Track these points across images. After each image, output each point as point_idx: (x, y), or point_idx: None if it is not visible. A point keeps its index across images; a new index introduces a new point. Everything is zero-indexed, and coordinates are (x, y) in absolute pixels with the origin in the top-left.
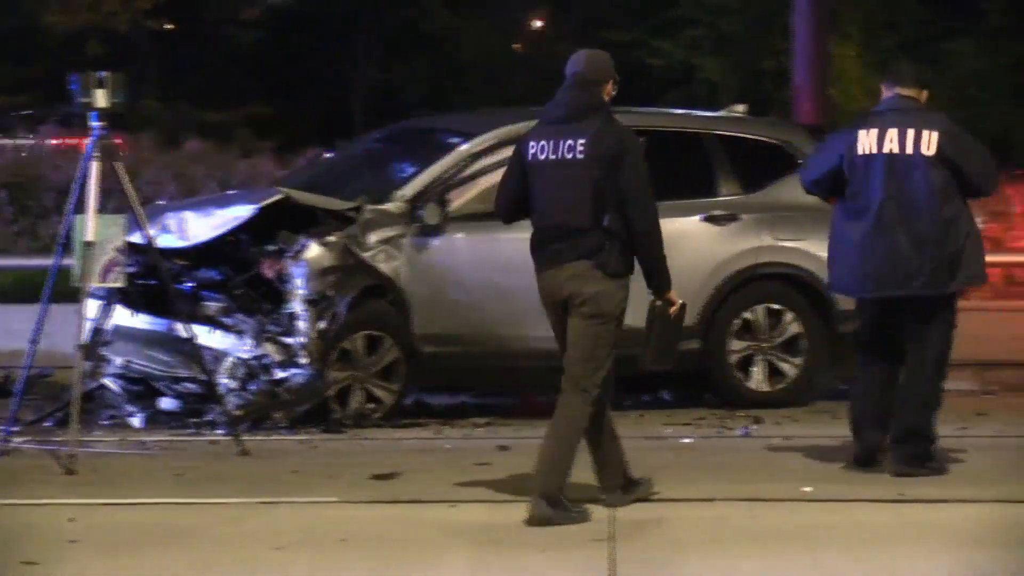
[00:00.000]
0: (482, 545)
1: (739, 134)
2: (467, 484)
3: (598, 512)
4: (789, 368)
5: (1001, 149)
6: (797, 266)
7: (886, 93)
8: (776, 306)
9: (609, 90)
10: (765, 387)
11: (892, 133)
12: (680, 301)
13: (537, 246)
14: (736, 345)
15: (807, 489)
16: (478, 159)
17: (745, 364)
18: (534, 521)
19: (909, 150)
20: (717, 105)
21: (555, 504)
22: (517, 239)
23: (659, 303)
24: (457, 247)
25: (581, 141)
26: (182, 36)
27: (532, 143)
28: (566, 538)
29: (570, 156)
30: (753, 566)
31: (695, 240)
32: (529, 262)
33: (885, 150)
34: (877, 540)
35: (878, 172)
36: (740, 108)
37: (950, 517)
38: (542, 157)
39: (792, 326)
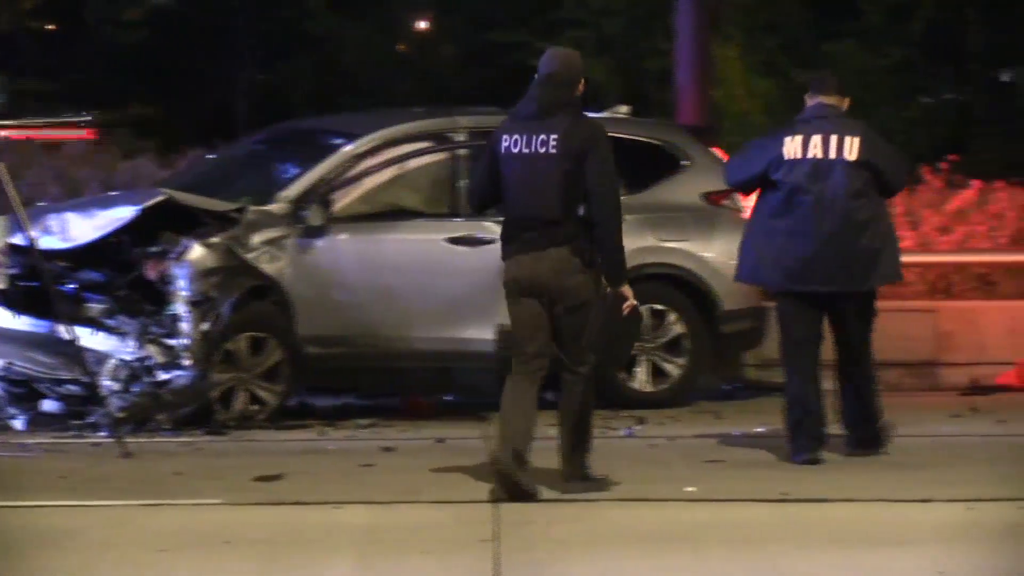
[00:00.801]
0: (367, 547)
1: (622, 135)
2: (352, 485)
3: (482, 512)
4: (672, 368)
5: None
6: (680, 266)
7: (810, 102)
8: (660, 307)
9: (579, 88)
10: (649, 387)
11: (816, 139)
12: (633, 300)
13: (509, 235)
14: None
15: (691, 489)
16: (362, 160)
17: (629, 364)
18: (568, 491)
19: (832, 155)
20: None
21: (585, 479)
22: (401, 240)
23: (611, 292)
24: (341, 248)
25: (554, 136)
26: (64, 37)
27: (505, 137)
28: (451, 539)
29: (543, 150)
30: (637, 566)
31: None
32: (412, 263)
33: (810, 155)
34: (761, 539)
35: (803, 176)
36: (623, 109)
37: (833, 516)
38: (515, 151)
39: (675, 327)
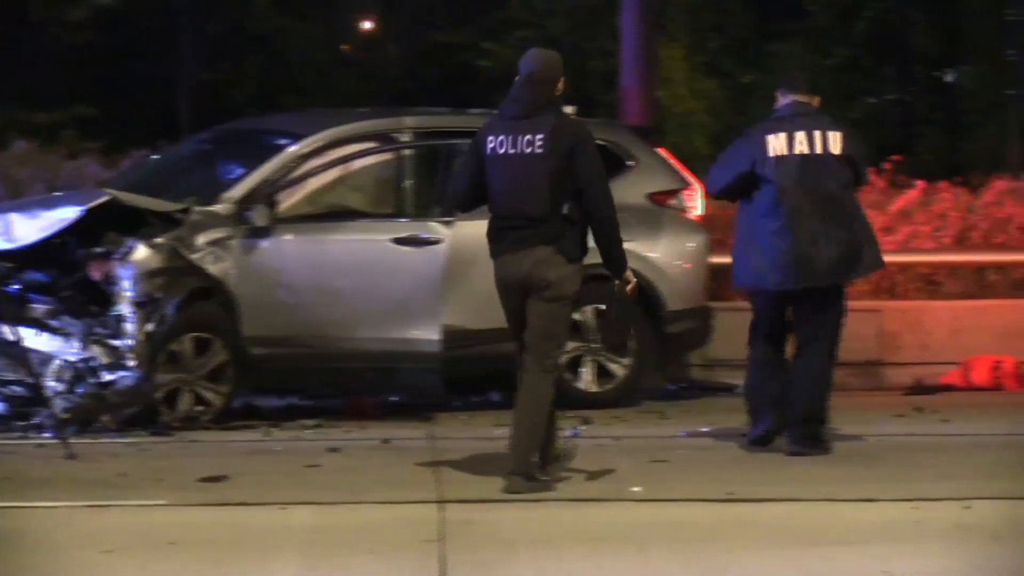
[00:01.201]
0: (312, 547)
1: None
2: (297, 486)
3: (427, 513)
4: (618, 369)
5: None
6: None
7: (782, 100)
8: (604, 307)
9: (560, 88)
10: (594, 388)
11: (800, 135)
12: (634, 280)
13: (496, 234)
14: (566, 346)
15: (636, 489)
16: (307, 160)
17: (574, 365)
18: (511, 491)
19: (819, 150)
20: None
21: (530, 479)
22: (346, 240)
23: (617, 283)
24: (286, 249)
25: (539, 136)
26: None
27: (490, 137)
28: (397, 540)
29: (529, 150)
30: (582, 566)
31: None
32: (357, 263)
33: (796, 151)
34: (706, 539)
35: (792, 172)
36: (568, 109)
37: (779, 515)
38: (501, 151)
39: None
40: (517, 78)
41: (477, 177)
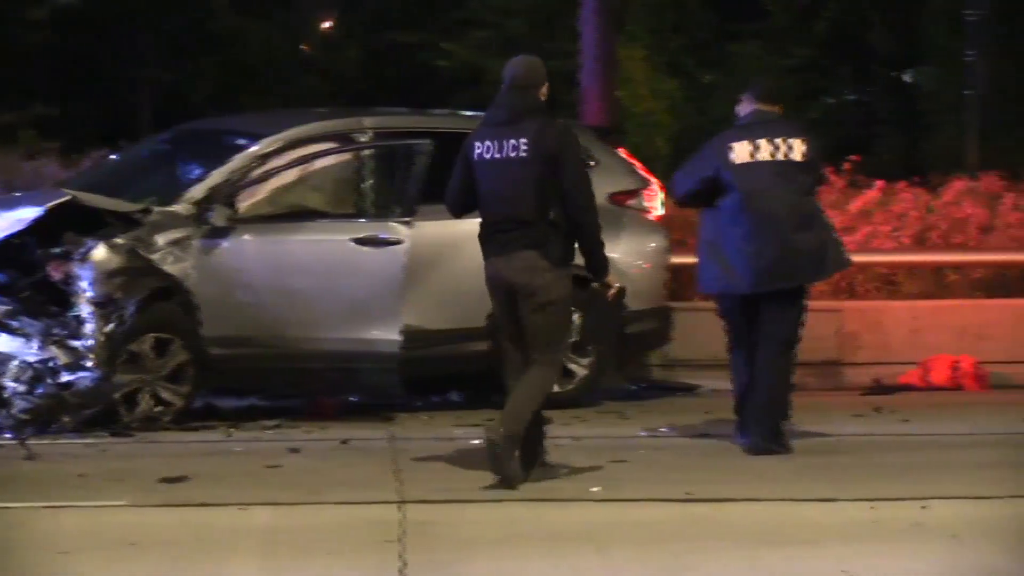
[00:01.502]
0: (272, 548)
1: None
2: (257, 487)
3: (387, 513)
4: (578, 369)
5: None
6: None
7: (746, 107)
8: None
9: (544, 92)
10: (554, 387)
11: (764, 143)
12: (618, 284)
13: (485, 237)
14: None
15: (596, 489)
16: (267, 160)
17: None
18: (491, 441)
19: (782, 156)
20: None
21: (512, 443)
22: (305, 241)
23: (597, 286)
24: (245, 249)
25: (524, 141)
26: None
27: (477, 144)
28: (357, 540)
29: (514, 155)
30: (542, 566)
31: None
32: (316, 264)
33: (761, 158)
34: (666, 539)
35: (756, 178)
36: None
37: (738, 515)
38: (488, 156)
39: (581, 327)
40: (503, 85)
41: (468, 182)
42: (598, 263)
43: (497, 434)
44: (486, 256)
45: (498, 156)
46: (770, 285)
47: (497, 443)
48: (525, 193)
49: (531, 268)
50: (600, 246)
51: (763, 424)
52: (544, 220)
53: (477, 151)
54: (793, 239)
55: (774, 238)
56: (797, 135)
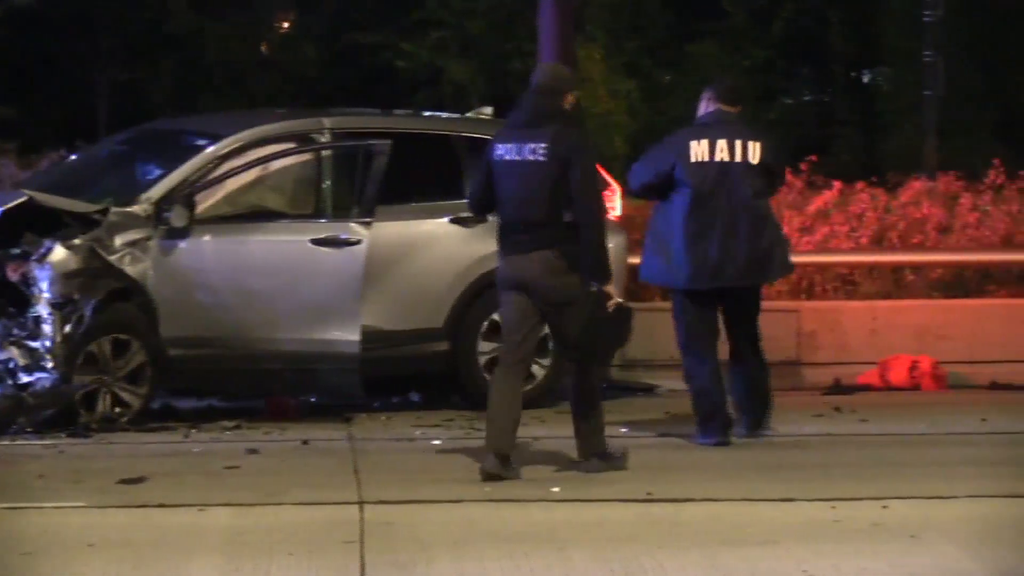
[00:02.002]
0: (232, 549)
1: (486, 136)
2: (216, 488)
3: (347, 514)
4: (537, 369)
5: None
6: None
7: (706, 107)
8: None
9: (570, 100)
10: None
11: (722, 143)
12: (618, 300)
13: (502, 236)
14: (485, 347)
15: (555, 489)
16: (225, 161)
17: (493, 365)
18: (587, 469)
19: (739, 158)
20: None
21: (604, 457)
22: (264, 241)
23: (595, 290)
24: (204, 249)
25: (542, 144)
26: None
27: (499, 145)
28: (316, 541)
29: (532, 157)
30: (501, 566)
31: (443, 242)
32: (275, 264)
33: (717, 158)
34: (625, 539)
35: (711, 178)
36: (487, 110)
37: (698, 516)
38: (508, 158)
39: (540, 328)
40: (528, 89)
41: (488, 184)
42: (598, 268)
43: (586, 462)
44: (502, 255)
45: (517, 158)
46: (709, 283)
47: (592, 469)
48: (541, 195)
49: (548, 269)
50: (602, 251)
51: (754, 415)
52: (559, 222)
53: (498, 152)
54: (738, 241)
55: (719, 238)
56: (755, 138)
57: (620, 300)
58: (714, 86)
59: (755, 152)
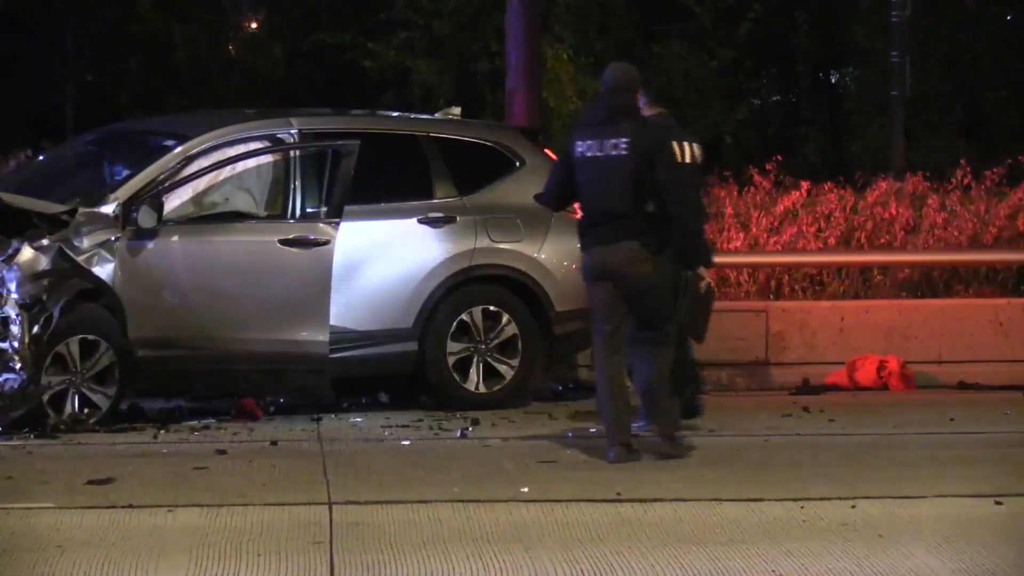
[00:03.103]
0: (200, 550)
1: (454, 136)
2: (184, 489)
3: (316, 514)
4: (506, 369)
5: (712, 150)
6: (513, 267)
7: (645, 111)
8: (493, 308)
9: (637, 97)
10: (482, 388)
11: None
12: (708, 280)
13: (586, 229)
14: (454, 347)
15: (524, 489)
16: (193, 161)
17: (462, 366)
18: (663, 453)
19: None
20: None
21: (672, 439)
22: (232, 242)
23: (691, 274)
24: (172, 250)
25: (624, 140)
26: None
27: (579, 142)
28: (284, 542)
29: (614, 152)
30: (470, 566)
31: (412, 242)
32: (243, 265)
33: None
34: (594, 539)
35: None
36: (455, 111)
37: (667, 515)
38: (589, 154)
39: (508, 328)
40: (601, 89)
41: (565, 178)
42: (693, 252)
43: (663, 441)
44: (586, 247)
45: (599, 154)
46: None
47: (665, 451)
48: (622, 188)
49: (632, 258)
50: (696, 236)
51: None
52: (640, 213)
53: (579, 149)
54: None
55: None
56: (692, 139)
57: (710, 280)
58: (649, 88)
59: (691, 153)
